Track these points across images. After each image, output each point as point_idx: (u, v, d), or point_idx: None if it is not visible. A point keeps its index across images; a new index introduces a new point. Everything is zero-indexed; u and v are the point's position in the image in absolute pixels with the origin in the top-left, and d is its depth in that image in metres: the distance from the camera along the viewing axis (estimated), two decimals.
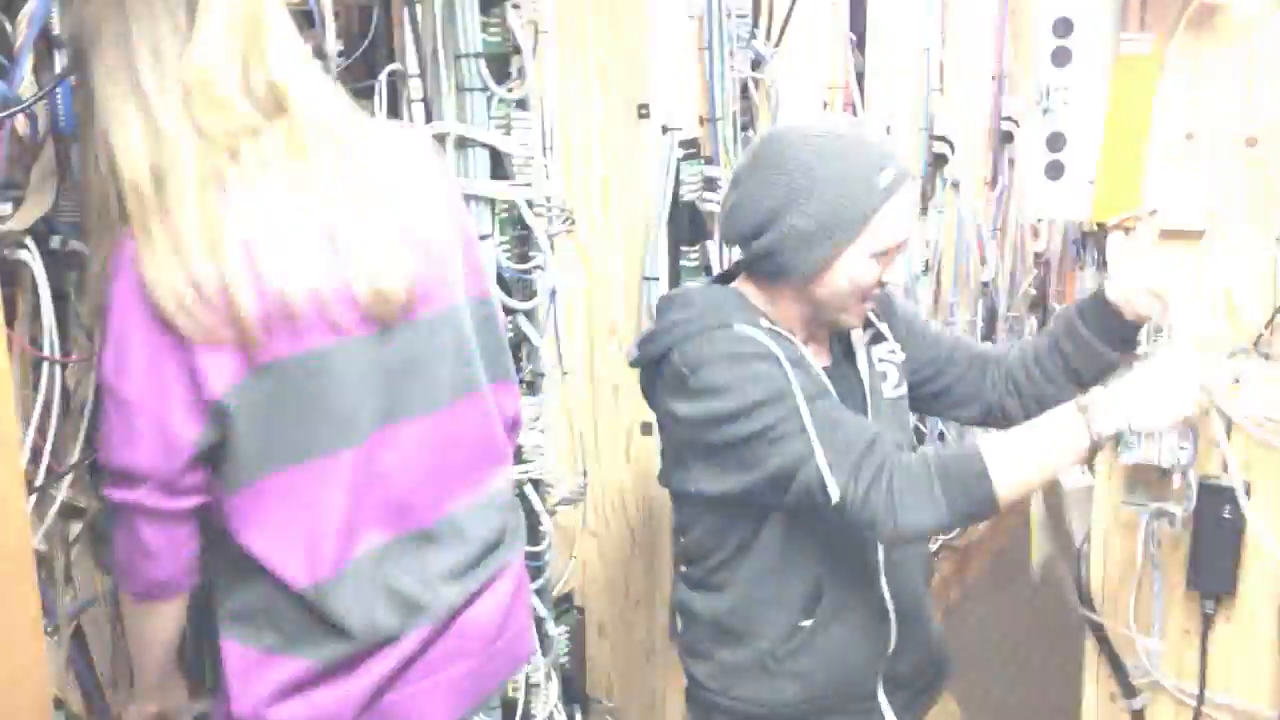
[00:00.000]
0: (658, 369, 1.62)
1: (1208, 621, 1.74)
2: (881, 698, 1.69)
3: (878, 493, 1.45)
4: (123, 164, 1.20)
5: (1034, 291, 4.12)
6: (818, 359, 1.62)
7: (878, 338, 1.72)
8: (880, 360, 1.70)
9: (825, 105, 2.65)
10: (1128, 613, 1.79)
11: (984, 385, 1.75)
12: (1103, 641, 1.85)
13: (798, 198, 1.51)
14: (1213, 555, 1.71)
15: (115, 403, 1.21)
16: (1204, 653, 1.75)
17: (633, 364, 1.70)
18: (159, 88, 1.21)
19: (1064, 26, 1.64)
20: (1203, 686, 1.76)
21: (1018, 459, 1.46)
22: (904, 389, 1.73)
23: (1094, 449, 1.47)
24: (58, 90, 1.38)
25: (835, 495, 1.46)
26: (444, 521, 1.39)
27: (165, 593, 1.32)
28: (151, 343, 1.19)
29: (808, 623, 1.62)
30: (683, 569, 1.77)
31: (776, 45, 2.43)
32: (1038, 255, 4.14)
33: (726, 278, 1.72)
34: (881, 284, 1.59)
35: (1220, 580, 1.72)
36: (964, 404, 1.78)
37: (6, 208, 1.36)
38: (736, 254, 1.84)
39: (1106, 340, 1.64)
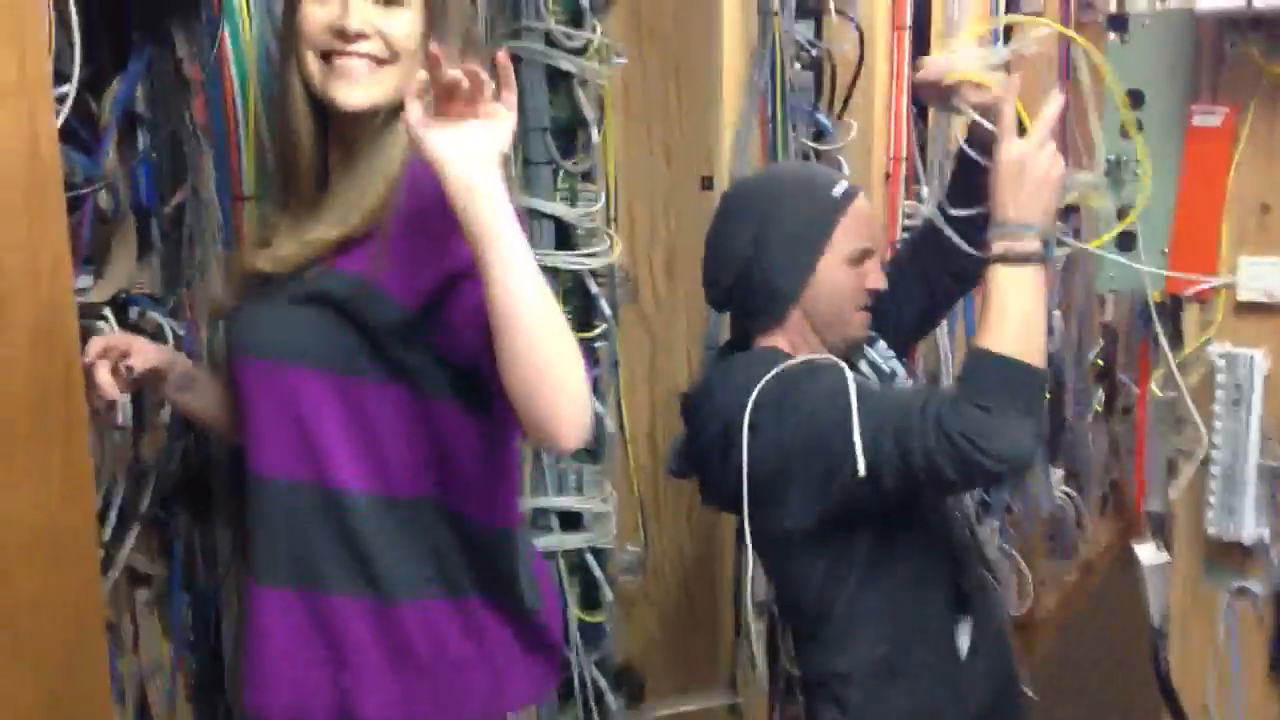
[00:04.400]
0: (717, 440, 1.64)
1: None
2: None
3: (952, 447, 1.43)
4: None
5: (1100, 363, 4.06)
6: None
7: (871, 340, 1.77)
8: (886, 359, 1.77)
9: (888, 177, 2.66)
10: (1207, 695, 1.74)
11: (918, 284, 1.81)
12: None
13: (770, 220, 1.66)
14: None
15: None
16: None
17: (678, 470, 1.77)
18: None
19: (1134, 99, 1.63)
20: None
21: (1007, 326, 1.47)
22: (909, 380, 1.81)
23: (1037, 261, 1.49)
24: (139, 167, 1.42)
25: (861, 468, 1.48)
26: None
27: None
28: None
29: (967, 620, 1.64)
30: (813, 636, 1.69)
31: (839, 117, 2.44)
32: (1104, 326, 4.08)
33: (736, 349, 1.77)
34: (872, 291, 1.68)
35: None
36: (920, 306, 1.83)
37: (87, 280, 1.40)
38: None
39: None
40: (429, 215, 1.22)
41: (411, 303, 1.24)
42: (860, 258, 1.67)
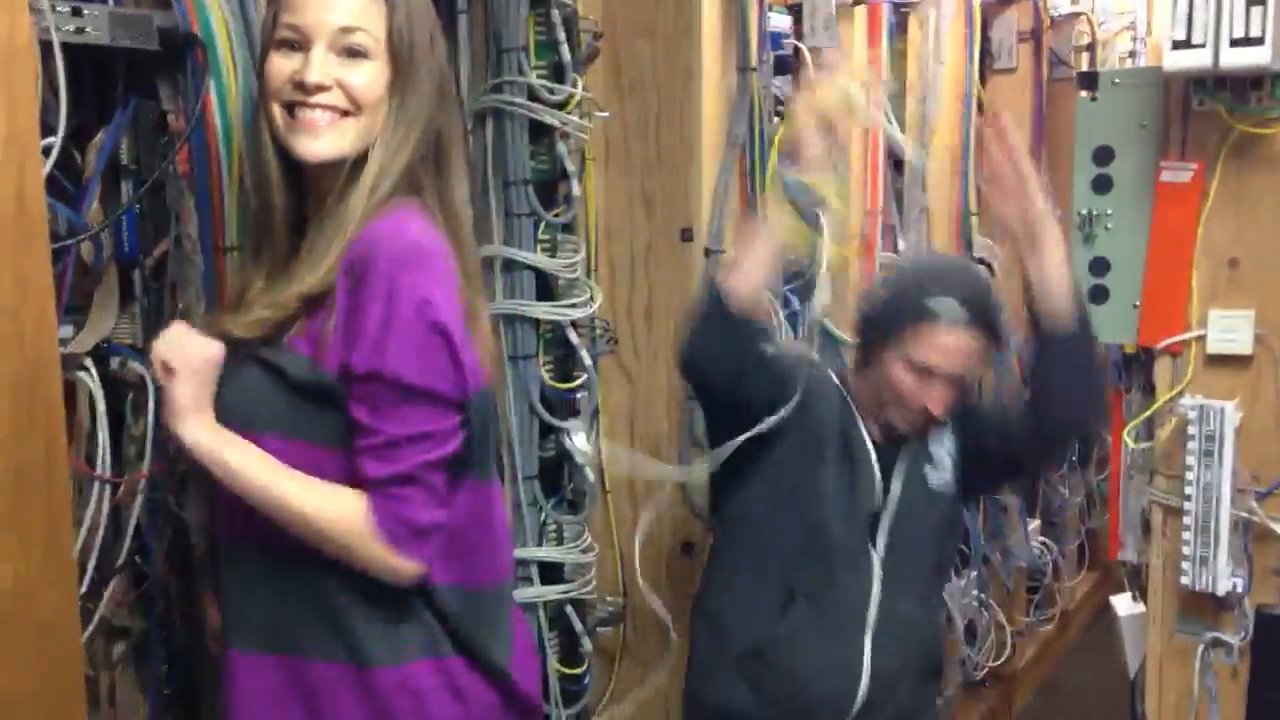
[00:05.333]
0: None
1: None
2: None
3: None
4: None
5: None
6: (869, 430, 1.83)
7: (939, 437, 1.86)
8: (938, 471, 1.84)
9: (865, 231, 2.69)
10: None
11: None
12: None
13: (874, 294, 1.87)
14: (1272, 686, 1.66)
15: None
16: None
17: None
18: None
19: (1104, 155, 1.66)
20: None
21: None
22: (952, 487, 1.84)
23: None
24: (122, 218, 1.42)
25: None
26: None
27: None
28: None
29: (781, 628, 1.78)
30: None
31: None
32: None
33: None
34: (927, 410, 1.73)
35: None
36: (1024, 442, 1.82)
37: (69, 331, 1.39)
38: None
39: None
40: (355, 300, 1.24)
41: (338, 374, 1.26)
42: (920, 370, 1.72)
